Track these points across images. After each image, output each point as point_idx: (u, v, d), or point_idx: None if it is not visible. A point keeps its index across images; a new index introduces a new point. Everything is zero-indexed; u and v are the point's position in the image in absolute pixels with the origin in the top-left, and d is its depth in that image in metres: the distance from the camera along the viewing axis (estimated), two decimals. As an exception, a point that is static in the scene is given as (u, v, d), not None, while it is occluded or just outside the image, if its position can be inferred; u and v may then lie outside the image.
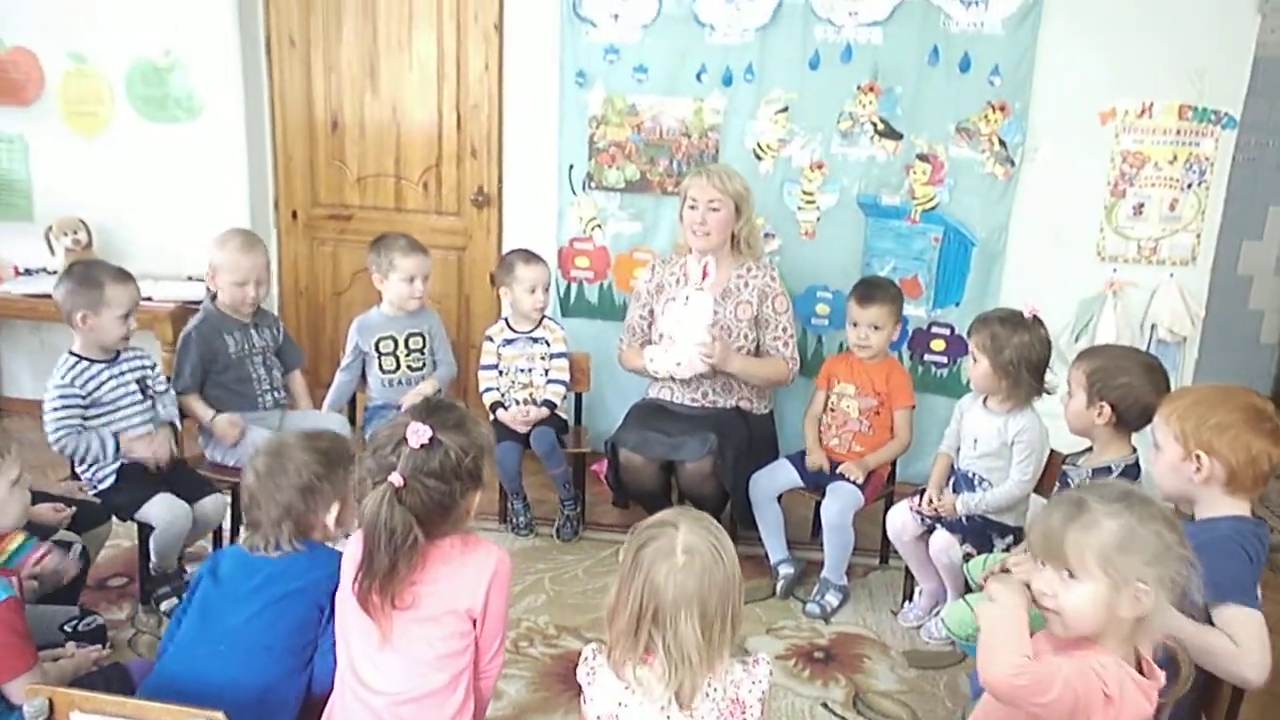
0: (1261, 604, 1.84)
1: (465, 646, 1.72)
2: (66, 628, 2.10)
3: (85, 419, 2.72)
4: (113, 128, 4.11)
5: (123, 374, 2.80)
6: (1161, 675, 1.51)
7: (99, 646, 2.03)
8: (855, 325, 3.16)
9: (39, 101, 4.11)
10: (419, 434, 1.64)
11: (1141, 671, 1.51)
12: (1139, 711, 1.48)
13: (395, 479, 1.63)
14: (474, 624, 1.73)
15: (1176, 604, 1.53)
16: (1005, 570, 1.79)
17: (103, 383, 2.75)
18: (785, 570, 3.14)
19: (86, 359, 2.74)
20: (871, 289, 3.17)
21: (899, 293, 3.24)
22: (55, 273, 4.04)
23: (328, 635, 1.83)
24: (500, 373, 3.48)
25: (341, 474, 1.92)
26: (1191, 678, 1.56)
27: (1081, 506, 1.53)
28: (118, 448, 2.74)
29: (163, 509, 2.69)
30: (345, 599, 1.72)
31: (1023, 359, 2.68)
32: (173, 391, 2.97)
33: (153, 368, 2.90)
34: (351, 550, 1.73)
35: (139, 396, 2.83)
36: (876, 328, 3.13)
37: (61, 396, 2.69)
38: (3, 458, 1.91)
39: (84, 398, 2.71)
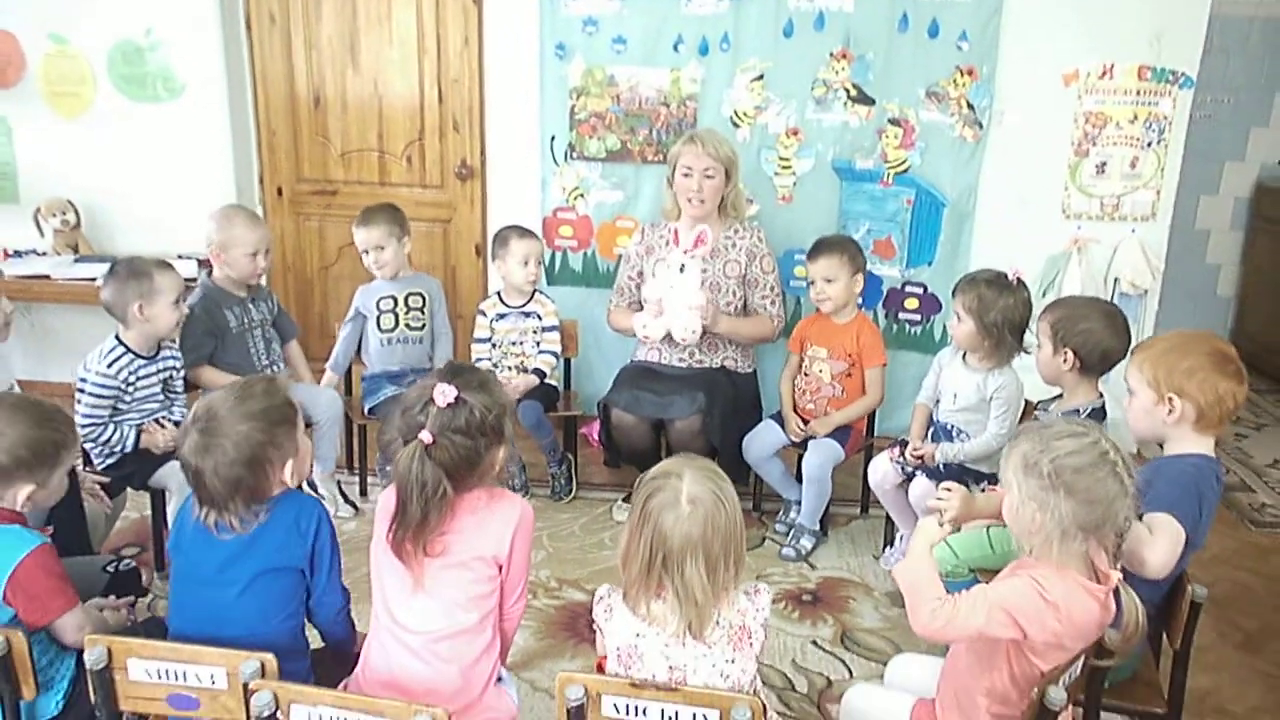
0: (1203, 536, 2.00)
1: (492, 590, 1.84)
2: (108, 569, 2.23)
3: (116, 410, 2.78)
4: (95, 108, 4.14)
5: (157, 372, 2.86)
6: (1117, 576, 1.66)
7: (131, 599, 2.13)
8: (813, 283, 3.27)
9: (21, 84, 4.12)
10: (445, 394, 1.75)
11: (1098, 580, 1.67)
12: (1087, 611, 1.64)
13: (425, 436, 1.74)
14: (499, 569, 1.85)
15: (1074, 532, 1.66)
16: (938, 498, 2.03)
17: (140, 378, 2.81)
18: (795, 512, 3.33)
19: (132, 351, 2.79)
20: (819, 243, 3.27)
21: (850, 244, 3.30)
22: (45, 254, 4.12)
23: (319, 583, 1.88)
24: (493, 345, 3.59)
25: (285, 431, 1.85)
26: (1141, 627, 1.69)
27: (1021, 431, 1.77)
28: (137, 441, 2.78)
29: (174, 471, 2.75)
30: (379, 548, 1.83)
31: (1006, 320, 2.79)
32: (184, 395, 3.00)
33: (178, 368, 2.94)
34: (384, 503, 1.84)
35: (161, 396, 2.89)
36: (829, 280, 3.21)
37: (101, 385, 2.73)
38: (68, 450, 1.97)
39: (121, 389, 2.76)
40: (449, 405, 1.75)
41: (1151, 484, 1.94)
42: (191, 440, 1.80)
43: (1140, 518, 1.89)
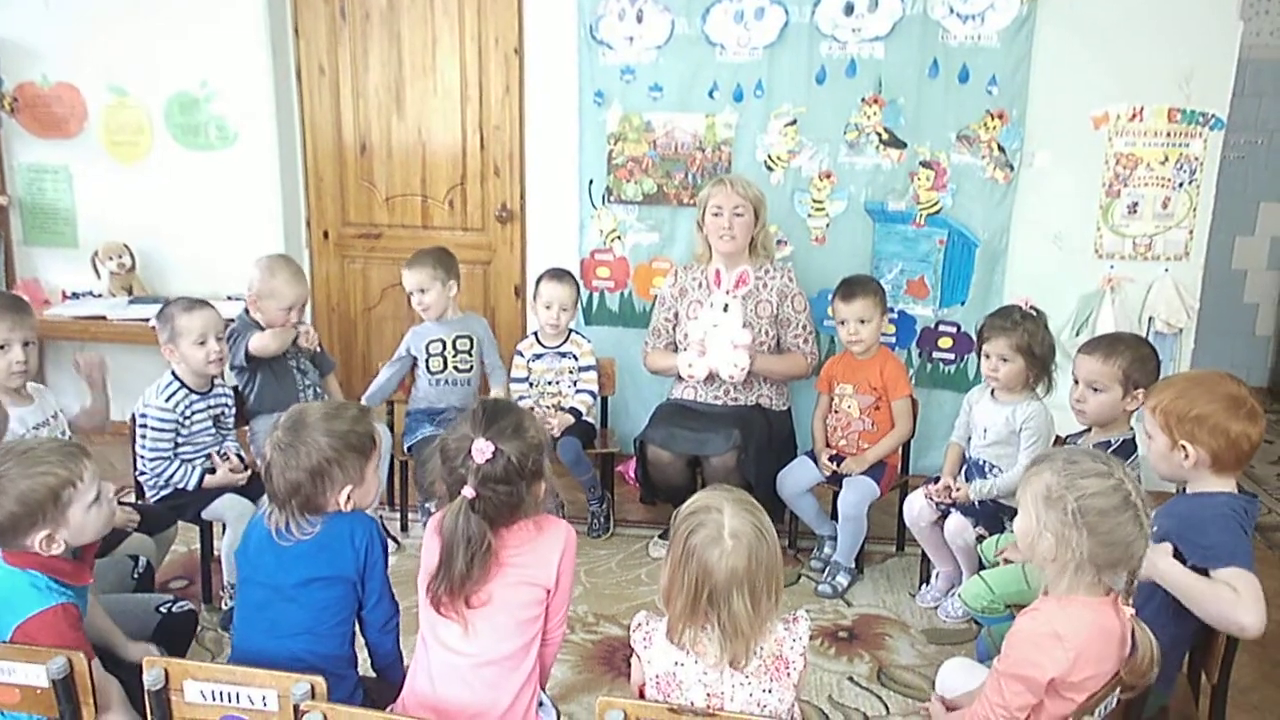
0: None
1: (538, 616, 1.91)
2: (161, 609, 2.27)
3: (176, 445, 2.88)
4: (152, 156, 4.30)
5: (209, 408, 2.96)
6: (1129, 612, 1.70)
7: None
8: (844, 323, 3.31)
9: (82, 133, 4.31)
10: (483, 451, 1.81)
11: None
12: (1097, 625, 1.68)
13: (467, 492, 1.81)
14: (547, 594, 1.91)
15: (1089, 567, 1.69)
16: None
17: (195, 412, 2.92)
18: (829, 548, 3.36)
19: (187, 387, 2.90)
20: (852, 285, 3.33)
21: (879, 286, 3.38)
22: (101, 295, 4.26)
23: (372, 594, 1.97)
24: (530, 385, 3.66)
25: (355, 459, 1.96)
26: (1155, 659, 1.70)
27: (1045, 459, 1.79)
28: (200, 481, 2.87)
29: (231, 504, 2.86)
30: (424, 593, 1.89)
31: (1050, 350, 2.92)
32: (234, 430, 3.10)
33: (230, 405, 3.05)
34: (426, 560, 1.89)
35: (213, 431, 2.99)
36: (863, 321, 3.27)
37: (161, 419, 2.83)
38: (74, 486, 1.88)
39: (179, 423, 2.86)
40: (487, 460, 1.81)
41: (1198, 530, 1.96)
42: (276, 436, 1.94)
43: (1205, 572, 1.91)
